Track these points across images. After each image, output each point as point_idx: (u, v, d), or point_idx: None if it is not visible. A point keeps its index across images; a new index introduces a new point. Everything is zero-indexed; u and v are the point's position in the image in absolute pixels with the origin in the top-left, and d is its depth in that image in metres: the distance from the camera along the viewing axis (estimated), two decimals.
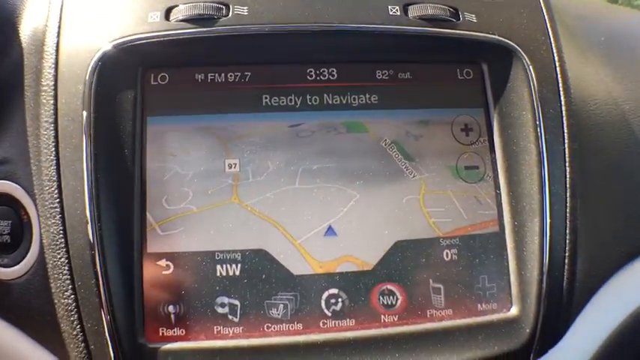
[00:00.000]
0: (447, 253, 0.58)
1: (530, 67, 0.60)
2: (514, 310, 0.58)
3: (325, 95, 0.59)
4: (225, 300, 0.55)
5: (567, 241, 0.58)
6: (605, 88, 0.71)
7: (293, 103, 0.59)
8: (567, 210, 0.59)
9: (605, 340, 0.67)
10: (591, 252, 0.63)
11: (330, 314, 0.55)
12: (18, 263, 0.58)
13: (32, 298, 0.57)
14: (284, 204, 0.56)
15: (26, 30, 0.62)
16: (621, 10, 0.98)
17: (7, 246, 0.58)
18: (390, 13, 0.60)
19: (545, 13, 0.64)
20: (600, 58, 0.73)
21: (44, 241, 0.56)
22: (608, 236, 0.66)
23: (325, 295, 0.56)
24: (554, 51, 0.63)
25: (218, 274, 0.55)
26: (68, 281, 0.54)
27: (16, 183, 0.58)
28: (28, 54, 0.61)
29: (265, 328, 0.55)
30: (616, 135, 0.70)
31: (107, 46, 0.57)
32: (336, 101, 0.59)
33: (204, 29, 0.58)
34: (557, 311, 0.58)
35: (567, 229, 0.58)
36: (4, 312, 0.59)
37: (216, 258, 0.55)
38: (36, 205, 0.57)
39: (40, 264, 0.57)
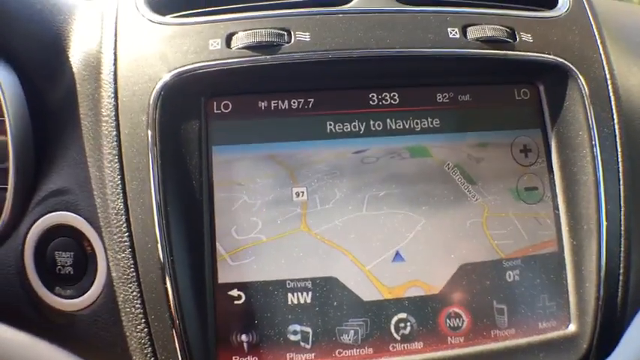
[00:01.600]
0: (509, 274, 0.60)
1: (585, 86, 0.62)
2: (572, 327, 0.60)
3: (388, 120, 0.60)
4: (297, 327, 0.57)
5: (622, 259, 0.61)
6: None
7: (357, 129, 0.60)
8: (622, 228, 0.61)
9: None
10: None
11: (399, 338, 0.58)
12: (82, 295, 0.58)
13: (99, 331, 0.58)
14: (352, 231, 0.58)
15: (77, 55, 0.61)
16: None
17: (70, 278, 0.59)
18: (450, 36, 0.61)
19: (595, 30, 0.66)
20: None
21: (113, 274, 0.57)
22: None
23: (394, 319, 0.58)
24: (606, 67, 0.64)
25: (289, 302, 0.57)
26: (141, 315, 0.55)
27: (77, 214, 0.59)
28: (81, 80, 0.60)
29: (337, 354, 0.57)
30: None
31: (168, 75, 0.57)
32: (399, 126, 0.60)
33: (267, 57, 0.58)
34: (612, 326, 0.60)
35: (622, 247, 0.61)
36: (70, 343, 0.60)
37: (287, 286, 0.57)
38: (101, 237, 0.58)
39: (108, 296, 0.57)
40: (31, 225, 0.59)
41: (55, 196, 0.59)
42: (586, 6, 0.68)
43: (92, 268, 0.58)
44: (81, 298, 0.58)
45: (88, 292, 0.58)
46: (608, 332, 0.60)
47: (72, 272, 0.59)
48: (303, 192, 0.58)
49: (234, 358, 0.56)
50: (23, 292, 0.59)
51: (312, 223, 0.58)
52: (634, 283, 0.64)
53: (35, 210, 0.59)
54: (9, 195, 0.59)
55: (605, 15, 0.72)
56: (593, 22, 0.67)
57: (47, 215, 0.59)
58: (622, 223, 0.61)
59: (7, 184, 0.59)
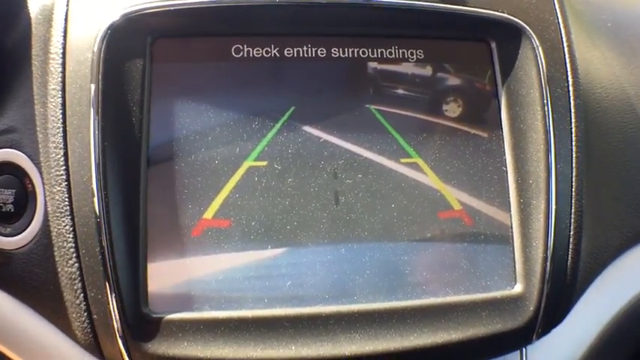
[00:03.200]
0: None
1: (539, 46, 0.62)
2: (518, 288, 0.60)
3: None
4: None
5: (572, 221, 0.61)
6: (611, 72, 0.74)
7: None
8: (573, 190, 0.61)
9: (607, 323, 0.69)
10: (595, 234, 0.66)
11: None
12: (21, 233, 0.59)
13: (35, 268, 0.58)
14: None
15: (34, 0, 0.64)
16: None
17: (10, 215, 0.59)
18: None
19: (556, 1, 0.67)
20: (607, 42, 0.76)
21: (49, 209, 0.58)
22: (612, 219, 0.69)
23: None
24: (563, 32, 0.65)
25: None
26: (73, 249, 0.56)
27: (21, 151, 0.60)
28: (36, 24, 0.62)
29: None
30: (621, 119, 0.72)
31: (116, 16, 0.59)
32: None
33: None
34: (561, 290, 0.60)
35: (572, 208, 0.61)
36: (4, 283, 0.61)
37: None
38: (41, 173, 0.59)
39: (44, 233, 0.58)
40: None
41: (2, 134, 0.61)
42: None
43: (32, 205, 0.59)
44: (19, 236, 0.59)
45: (27, 230, 0.59)
46: (557, 295, 0.60)
47: (12, 210, 0.59)
48: None
49: (164, 300, 0.56)
50: None
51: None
52: (587, 250, 0.64)
53: None
54: None
55: None
56: None
57: None
58: (573, 184, 0.61)
59: None
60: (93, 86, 0.57)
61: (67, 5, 0.61)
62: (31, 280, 0.59)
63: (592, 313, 0.68)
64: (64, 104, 0.58)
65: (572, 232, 0.61)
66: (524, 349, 0.63)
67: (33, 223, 0.59)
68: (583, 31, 0.71)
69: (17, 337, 0.61)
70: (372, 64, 0.62)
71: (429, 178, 0.61)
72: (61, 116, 0.58)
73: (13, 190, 0.60)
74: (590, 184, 0.64)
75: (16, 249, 0.59)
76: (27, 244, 0.59)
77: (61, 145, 0.57)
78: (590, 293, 0.68)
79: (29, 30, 0.62)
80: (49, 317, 0.60)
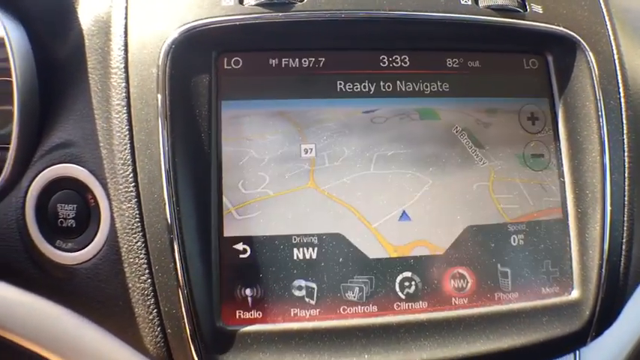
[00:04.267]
0: (514, 238, 0.62)
1: (593, 59, 0.64)
2: (575, 294, 0.63)
3: (398, 82, 0.62)
4: (302, 283, 0.59)
5: (625, 229, 0.63)
6: None
7: (367, 89, 0.62)
8: (626, 199, 0.63)
9: None
10: None
11: (404, 297, 0.60)
12: (83, 248, 0.60)
13: (101, 283, 0.59)
14: (360, 189, 0.60)
15: (87, 10, 0.63)
16: None
17: (72, 230, 0.60)
18: (462, 2, 0.64)
19: (603, 6, 0.69)
20: None
21: (117, 225, 0.58)
22: None
23: (399, 278, 0.60)
24: (613, 43, 0.67)
25: (295, 257, 0.59)
26: (145, 265, 0.57)
27: (82, 166, 0.60)
28: (90, 35, 0.62)
29: (342, 311, 0.59)
30: None
31: (180, 30, 0.59)
32: (409, 88, 0.63)
33: (279, 14, 0.60)
34: (614, 295, 0.63)
35: (625, 217, 0.63)
36: (67, 298, 0.61)
37: (293, 241, 0.59)
38: (106, 188, 0.59)
39: (112, 248, 0.59)
40: (34, 178, 0.60)
41: (59, 149, 0.61)
42: None
43: (95, 220, 0.60)
44: (82, 251, 0.60)
45: (91, 245, 0.60)
46: (611, 300, 0.63)
47: (74, 225, 0.60)
48: (311, 149, 0.60)
49: (237, 311, 0.58)
50: (23, 246, 0.60)
51: (319, 180, 0.60)
52: (637, 254, 0.67)
53: (38, 163, 0.61)
54: (12, 148, 0.60)
55: None
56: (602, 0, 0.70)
57: (50, 168, 0.61)
58: (626, 193, 0.64)
59: (9, 141, 0.61)
60: (160, 100, 0.58)
61: (126, 18, 0.61)
62: (97, 295, 0.60)
63: (637, 313, 0.72)
64: (129, 119, 0.58)
65: (624, 240, 0.63)
66: (578, 351, 0.66)
67: (97, 238, 0.60)
68: (630, 39, 0.74)
69: (81, 353, 0.62)
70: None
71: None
72: (127, 132, 0.58)
73: (74, 205, 0.60)
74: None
75: (79, 264, 0.60)
76: (91, 259, 0.60)
77: (129, 162, 0.58)
78: (637, 294, 0.71)
79: (82, 41, 0.63)
80: (116, 332, 0.61)
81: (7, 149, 0.60)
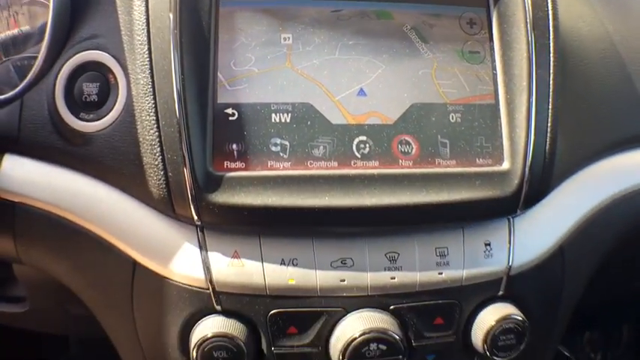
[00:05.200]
0: (452, 116, 0.77)
1: None
2: (505, 165, 0.76)
3: None
4: (278, 141, 0.74)
5: (550, 115, 0.77)
6: (591, 8, 0.92)
7: None
8: (550, 89, 0.77)
9: (586, 214, 0.87)
10: (573, 135, 0.83)
11: (359, 156, 0.75)
12: (104, 117, 0.75)
13: (117, 143, 0.74)
14: (326, 69, 0.75)
15: None
16: None
17: (94, 104, 0.76)
18: None
19: None
20: None
21: (133, 92, 0.74)
22: (589, 126, 0.87)
23: (356, 141, 0.75)
24: None
25: (273, 120, 0.74)
26: (154, 122, 0.72)
27: (105, 52, 0.76)
28: None
29: (308, 164, 0.74)
30: (597, 46, 0.91)
31: None
32: None
33: None
34: (540, 170, 0.76)
35: (550, 104, 0.77)
36: (87, 163, 0.77)
37: (272, 108, 0.74)
38: (124, 68, 0.75)
39: (127, 113, 0.74)
40: (63, 64, 0.76)
41: (87, 40, 0.77)
42: None
43: (114, 95, 0.76)
44: (103, 120, 0.75)
45: (110, 114, 0.75)
46: (537, 173, 0.76)
47: (96, 99, 0.76)
48: (289, 37, 0.76)
49: (225, 162, 0.73)
50: (52, 122, 0.76)
51: (294, 61, 0.75)
52: (566, 146, 0.81)
53: (68, 52, 0.76)
54: (46, 39, 0.75)
55: None
56: None
57: (78, 55, 0.76)
58: (550, 85, 0.77)
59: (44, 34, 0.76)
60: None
61: None
62: (113, 155, 0.75)
63: (572, 201, 0.86)
64: (147, 11, 0.74)
65: (549, 124, 0.76)
66: (511, 220, 0.80)
67: (115, 107, 0.75)
68: None
69: (94, 209, 0.78)
70: None
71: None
72: (144, 20, 0.73)
73: (97, 84, 0.76)
74: (567, 96, 0.82)
75: (98, 131, 0.75)
76: (109, 126, 0.75)
77: (145, 42, 0.73)
78: (571, 183, 0.85)
79: None
80: (126, 187, 0.76)
81: (42, 41, 0.76)
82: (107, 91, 0.76)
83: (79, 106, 0.76)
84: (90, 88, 0.76)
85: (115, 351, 0.92)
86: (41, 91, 0.77)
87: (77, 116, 0.76)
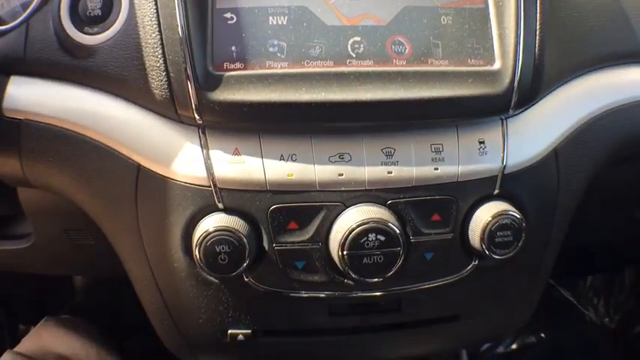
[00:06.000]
0: (443, 19, 0.81)
1: None
2: (497, 65, 0.80)
3: None
4: (275, 42, 0.78)
5: (538, 18, 0.80)
6: None
7: None
8: (537, 6, 0.80)
9: (579, 121, 0.90)
10: (563, 43, 0.87)
11: (354, 55, 0.78)
12: (107, 29, 0.79)
13: (121, 51, 0.78)
14: None
15: None
16: None
17: (97, 19, 0.79)
18: None
19: None
20: None
21: (135, 1, 0.78)
22: (579, 36, 0.90)
23: (351, 41, 0.79)
24: None
25: (270, 22, 0.78)
26: (156, 25, 0.75)
27: None
28: None
29: (305, 63, 0.77)
30: None
31: None
32: None
33: None
34: (531, 71, 0.80)
35: (537, 7, 0.80)
36: (91, 76, 0.81)
37: (269, 11, 0.78)
38: None
39: (129, 23, 0.78)
40: None
41: None
42: None
43: (117, 7, 0.79)
44: (106, 32, 0.79)
45: (113, 26, 0.79)
46: (528, 74, 0.79)
47: (100, 14, 0.79)
48: None
49: (224, 63, 0.77)
50: (58, 39, 0.80)
51: None
52: (556, 54, 0.84)
53: None
54: None
55: None
56: None
57: None
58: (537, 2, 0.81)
59: None
60: None
61: None
62: (116, 63, 0.79)
63: (565, 109, 0.90)
64: None
65: (538, 27, 0.80)
66: (504, 121, 0.84)
67: (119, 18, 0.79)
68: None
69: (98, 118, 0.82)
70: None
71: None
72: None
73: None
74: (557, 4, 0.86)
75: (102, 42, 0.79)
76: (113, 37, 0.79)
77: None
78: (563, 93, 0.89)
79: None
80: (130, 95, 0.80)
81: None
82: (110, 4, 0.80)
83: (83, 21, 0.80)
84: (94, 3, 0.80)
85: (119, 298, 0.96)
86: (46, 12, 0.80)
87: (82, 31, 0.80)
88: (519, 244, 0.84)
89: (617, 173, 1.12)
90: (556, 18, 0.86)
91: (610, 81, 0.95)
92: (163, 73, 0.76)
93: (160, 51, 0.76)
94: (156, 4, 0.77)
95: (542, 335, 1.71)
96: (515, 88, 0.80)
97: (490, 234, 0.82)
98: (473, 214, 0.84)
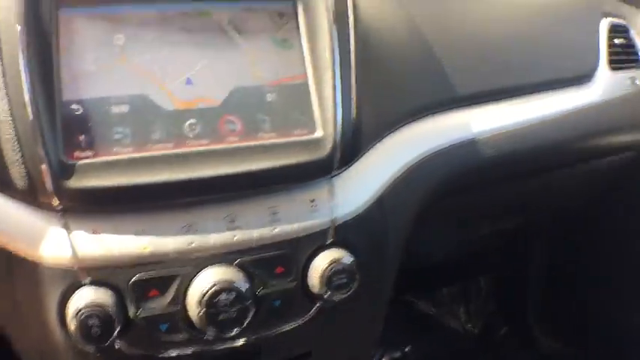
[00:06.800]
0: (269, 96, 0.93)
1: None
2: (318, 133, 0.93)
3: None
4: (120, 129, 0.87)
5: (353, 89, 0.94)
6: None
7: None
8: (351, 67, 0.95)
9: (399, 170, 1.06)
10: (377, 103, 1.01)
11: (191, 136, 0.89)
12: None
13: None
14: (157, 63, 0.89)
15: None
16: None
17: None
18: None
19: None
20: None
21: None
22: (391, 96, 1.06)
23: (187, 123, 0.89)
24: None
25: (113, 112, 0.87)
26: (10, 121, 0.82)
27: None
28: None
29: (149, 147, 0.87)
30: (397, 27, 1.10)
31: None
32: None
33: None
34: (349, 135, 0.93)
35: (352, 79, 0.95)
36: None
37: (112, 101, 0.87)
38: None
39: None
40: None
41: None
42: None
43: None
44: None
45: None
46: (348, 142, 0.93)
47: None
48: (122, 37, 0.89)
49: (76, 152, 0.85)
50: None
51: (129, 58, 0.89)
52: (372, 114, 0.99)
53: None
54: None
55: None
56: None
57: None
58: (352, 63, 0.95)
59: None
60: (19, 30, 0.83)
61: None
62: None
63: (383, 162, 1.05)
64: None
65: (353, 97, 0.94)
66: (331, 180, 0.97)
67: None
68: None
69: None
70: None
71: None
72: None
73: None
74: (369, 71, 1.00)
75: None
76: None
77: None
78: (381, 147, 1.04)
79: None
80: None
81: None
82: None
83: None
84: None
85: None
86: None
87: None
88: (354, 285, 0.97)
89: (454, 201, 1.29)
90: (370, 82, 1.01)
91: (428, 128, 1.12)
92: (22, 167, 0.84)
93: (17, 145, 0.83)
94: (9, 102, 0.84)
95: (408, 350, 1.87)
96: (337, 152, 0.93)
97: (327, 279, 0.94)
98: (311, 263, 0.96)
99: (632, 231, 1.81)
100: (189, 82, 0.92)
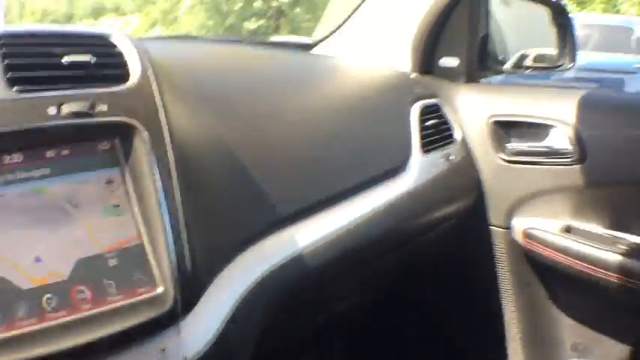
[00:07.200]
0: (110, 261, 1.12)
1: (147, 136, 1.17)
2: (159, 289, 1.13)
3: (17, 172, 1.11)
4: None
5: (185, 244, 1.17)
6: (208, 129, 1.42)
7: None
8: (181, 226, 1.18)
9: (237, 299, 1.31)
10: (209, 244, 1.22)
11: (49, 310, 1.05)
12: None
13: None
14: (6, 244, 1.07)
15: None
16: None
17: None
18: (49, 112, 1.14)
19: (157, 95, 1.27)
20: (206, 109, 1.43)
21: None
22: (218, 235, 1.30)
23: (45, 297, 1.07)
24: (164, 121, 1.22)
25: None
26: None
27: None
28: None
29: (15, 325, 1.04)
30: (221, 164, 1.40)
31: None
32: (22, 176, 1.11)
33: None
34: (188, 286, 1.14)
35: (184, 237, 1.18)
36: None
37: None
38: None
39: None
40: None
41: None
42: (152, 79, 1.25)
43: None
44: None
45: None
46: (187, 291, 1.14)
47: None
48: None
49: None
50: None
51: None
52: (204, 257, 1.20)
53: None
54: None
55: (178, 77, 1.41)
56: (156, 89, 1.25)
57: None
58: (180, 222, 1.20)
59: None
60: None
61: None
62: None
63: (220, 299, 1.28)
64: None
65: (187, 249, 1.16)
66: (179, 326, 1.17)
67: None
68: (184, 109, 1.36)
69: None
70: None
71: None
72: None
73: None
74: (196, 210, 1.23)
75: None
76: None
77: None
78: (216, 284, 1.28)
79: None
80: None
81: None
82: None
83: None
84: None
85: None
86: None
87: None
88: None
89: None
90: (200, 228, 1.25)
91: (257, 252, 1.42)
92: None
93: None
94: None
95: None
96: (179, 303, 1.13)
97: None
98: None
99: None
100: (38, 260, 1.09)
